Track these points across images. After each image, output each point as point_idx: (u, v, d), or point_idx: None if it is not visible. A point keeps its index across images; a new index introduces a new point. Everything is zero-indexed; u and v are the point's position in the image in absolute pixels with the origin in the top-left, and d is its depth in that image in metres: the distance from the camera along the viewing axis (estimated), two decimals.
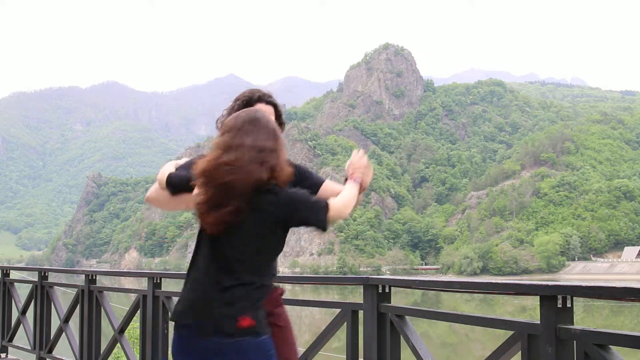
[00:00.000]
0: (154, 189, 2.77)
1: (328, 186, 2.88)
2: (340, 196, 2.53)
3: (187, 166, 2.68)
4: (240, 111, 2.48)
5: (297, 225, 2.40)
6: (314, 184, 2.86)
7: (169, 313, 5.11)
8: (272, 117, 2.74)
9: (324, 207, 2.40)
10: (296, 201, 2.37)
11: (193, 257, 2.43)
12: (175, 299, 5.15)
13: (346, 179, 2.66)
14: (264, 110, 2.77)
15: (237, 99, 2.92)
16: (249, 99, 2.89)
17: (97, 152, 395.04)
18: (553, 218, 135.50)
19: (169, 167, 2.74)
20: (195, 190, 2.36)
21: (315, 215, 2.38)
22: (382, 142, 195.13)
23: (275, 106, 2.91)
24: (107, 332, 5.98)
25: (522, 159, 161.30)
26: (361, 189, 2.63)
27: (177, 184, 2.61)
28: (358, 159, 2.67)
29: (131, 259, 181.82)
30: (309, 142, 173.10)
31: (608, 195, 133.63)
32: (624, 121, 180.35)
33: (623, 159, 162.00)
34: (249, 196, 2.30)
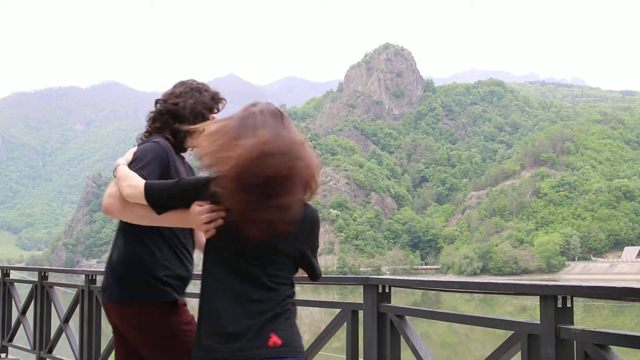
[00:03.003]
0: (117, 200, 2.32)
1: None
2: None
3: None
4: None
5: None
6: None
7: None
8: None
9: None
10: None
11: None
12: None
13: None
14: None
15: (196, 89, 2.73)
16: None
17: (97, 152, 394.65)
18: (553, 218, 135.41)
19: (129, 172, 2.35)
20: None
21: None
22: (382, 142, 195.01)
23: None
24: (107, 332, 5.94)
25: (522, 159, 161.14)
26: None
27: (166, 204, 2.21)
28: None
29: None
30: (309, 142, 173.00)
31: (608, 195, 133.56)
32: (624, 121, 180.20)
33: (623, 159, 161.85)
34: None
